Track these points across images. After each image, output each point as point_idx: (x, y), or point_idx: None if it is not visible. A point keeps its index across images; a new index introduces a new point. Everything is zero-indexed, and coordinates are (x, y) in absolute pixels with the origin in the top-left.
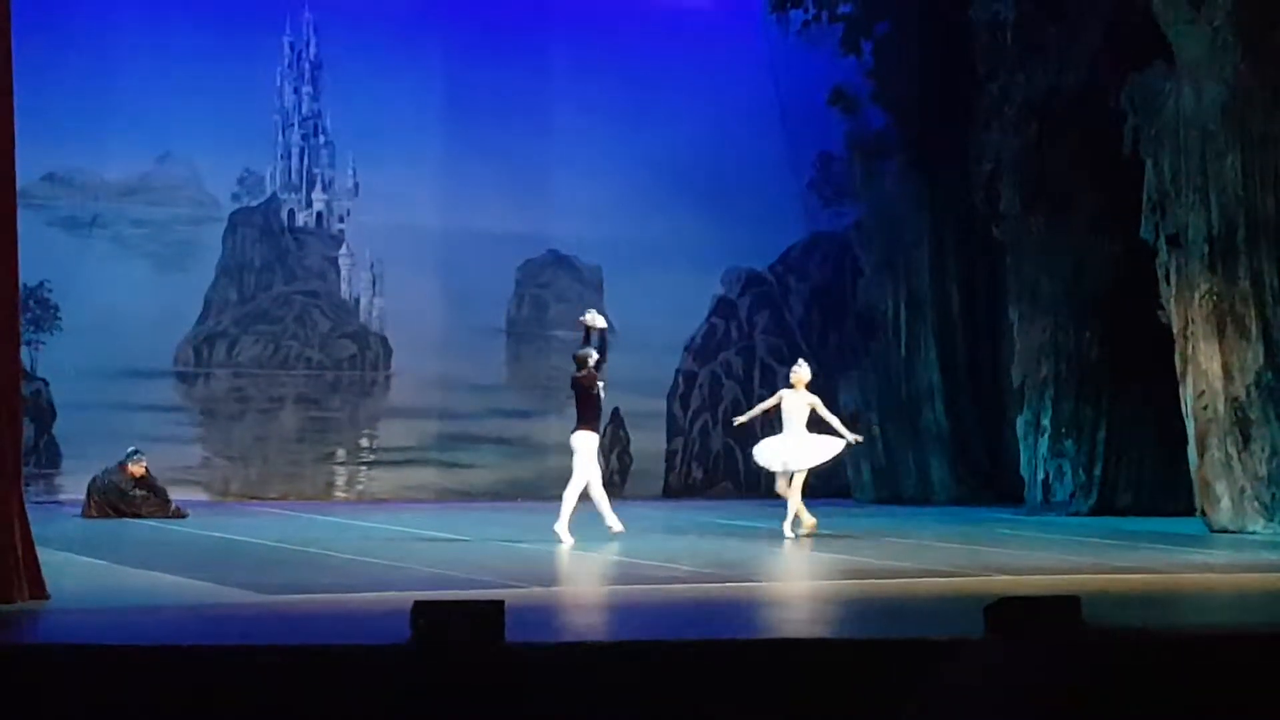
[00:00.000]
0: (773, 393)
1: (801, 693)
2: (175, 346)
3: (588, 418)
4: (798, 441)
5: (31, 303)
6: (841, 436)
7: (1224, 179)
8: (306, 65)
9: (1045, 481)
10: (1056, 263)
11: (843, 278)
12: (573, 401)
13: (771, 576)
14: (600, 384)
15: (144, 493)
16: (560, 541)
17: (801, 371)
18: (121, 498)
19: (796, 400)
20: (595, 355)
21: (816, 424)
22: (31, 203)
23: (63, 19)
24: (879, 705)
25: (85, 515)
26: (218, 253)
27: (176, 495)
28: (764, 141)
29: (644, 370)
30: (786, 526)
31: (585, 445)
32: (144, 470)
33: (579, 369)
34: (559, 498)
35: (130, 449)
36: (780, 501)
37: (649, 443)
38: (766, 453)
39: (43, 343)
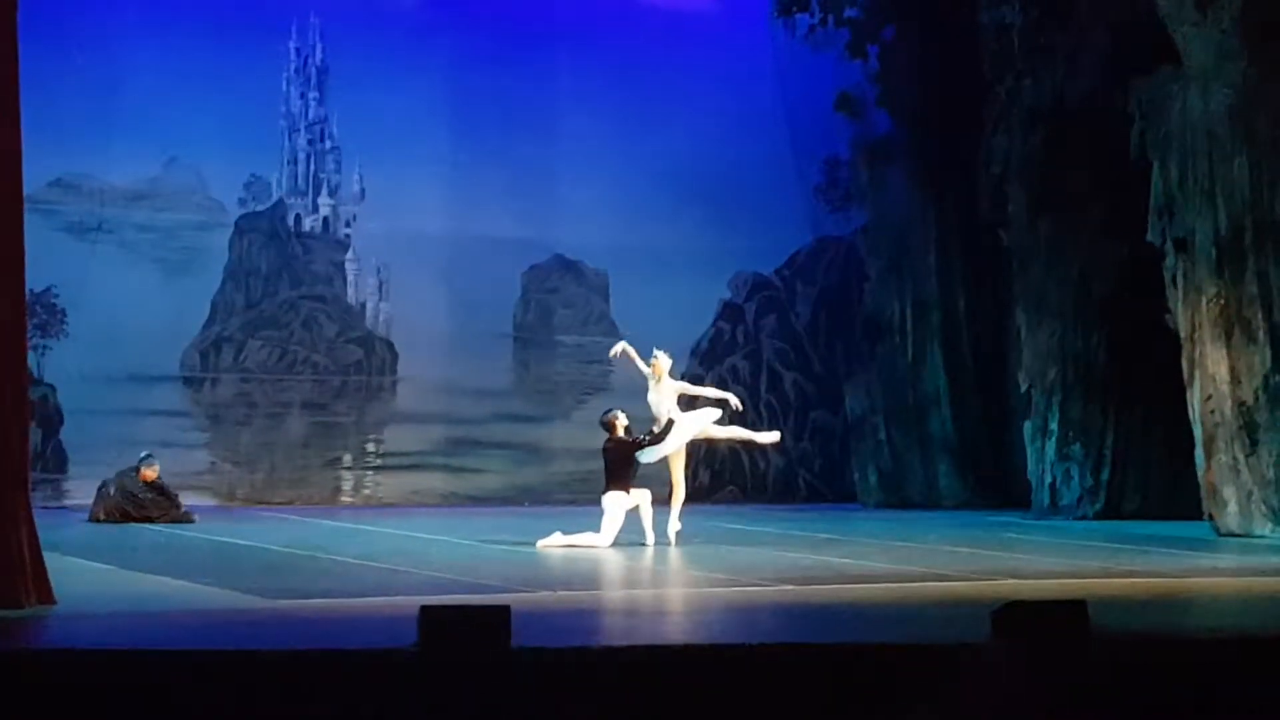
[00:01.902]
0: (778, 397)
1: (808, 697)
2: (182, 351)
3: (619, 478)
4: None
5: (38, 308)
6: (720, 404)
7: (1231, 182)
8: (313, 71)
9: (1052, 486)
10: (1064, 267)
11: (849, 282)
12: (582, 405)
13: (777, 581)
14: (641, 439)
15: (154, 495)
16: (537, 545)
17: (661, 361)
18: (131, 500)
19: (660, 394)
20: (624, 418)
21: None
22: (38, 208)
23: (69, 24)
24: (887, 709)
25: (93, 519)
26: (224, 258)
27: (183, 500)
28: (770, 146)
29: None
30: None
31: (614, 506)
32: (156, 474)
33: (608, 433)
34: (566, 502)
35: (143, 453)
36: (779, 507)
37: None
38: (648, 454)
39: (49, 348)
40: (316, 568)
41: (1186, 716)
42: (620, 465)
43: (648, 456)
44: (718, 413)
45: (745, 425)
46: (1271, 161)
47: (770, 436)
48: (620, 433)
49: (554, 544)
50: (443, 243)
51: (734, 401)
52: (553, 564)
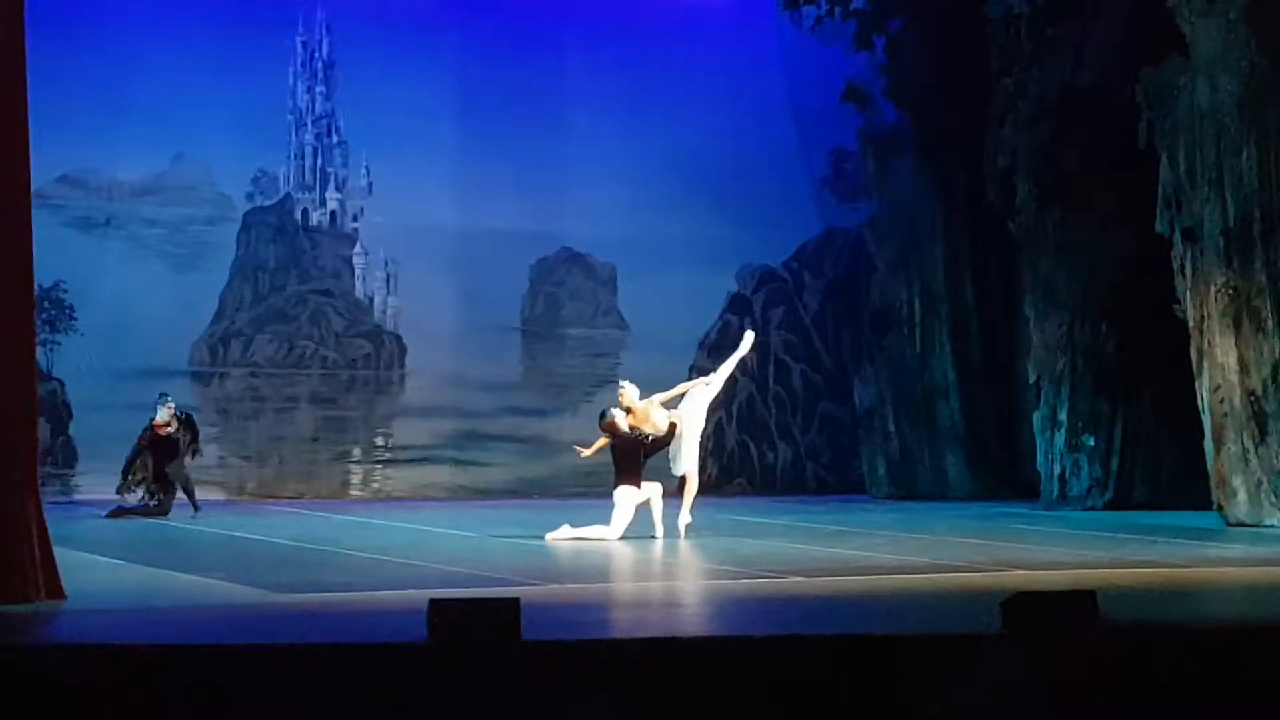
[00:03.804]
0: (786, 389)
1: (818, 689)
2: (190, 346)
3: (629, 473)
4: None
5: (46, 303)
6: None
7: (1239, 172)
8: (319, 65)
9: (1061, 476)
10: (1072, 257)
11: (857, 273)
12: (590, 398)
13: (786, 573)
14: (647, 437)
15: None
16: (546, 538)
17: (628, 391)
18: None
19: (642, 421)
20: (618, 414)
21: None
22: (46, 203)
23: (76, 20)
24: (897, 701)
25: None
26: (232, 252)
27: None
28: (777, 138)
29: (658, 367)
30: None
31: (624, 499)
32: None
33: (613, 434)
34: (574, 494)
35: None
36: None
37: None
38: (679, 466)
39: (58, 343)
40: (326, 562)
41: (1196, 706)
42: (628, 460)
43: (679, 469)
44: (703, 383)
45: (754, 421)
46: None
47: (745, 343)
48: (623, 428)
49: (563, 537)
50: (450, 236)
51: (706, 380)
52: (562, 557)
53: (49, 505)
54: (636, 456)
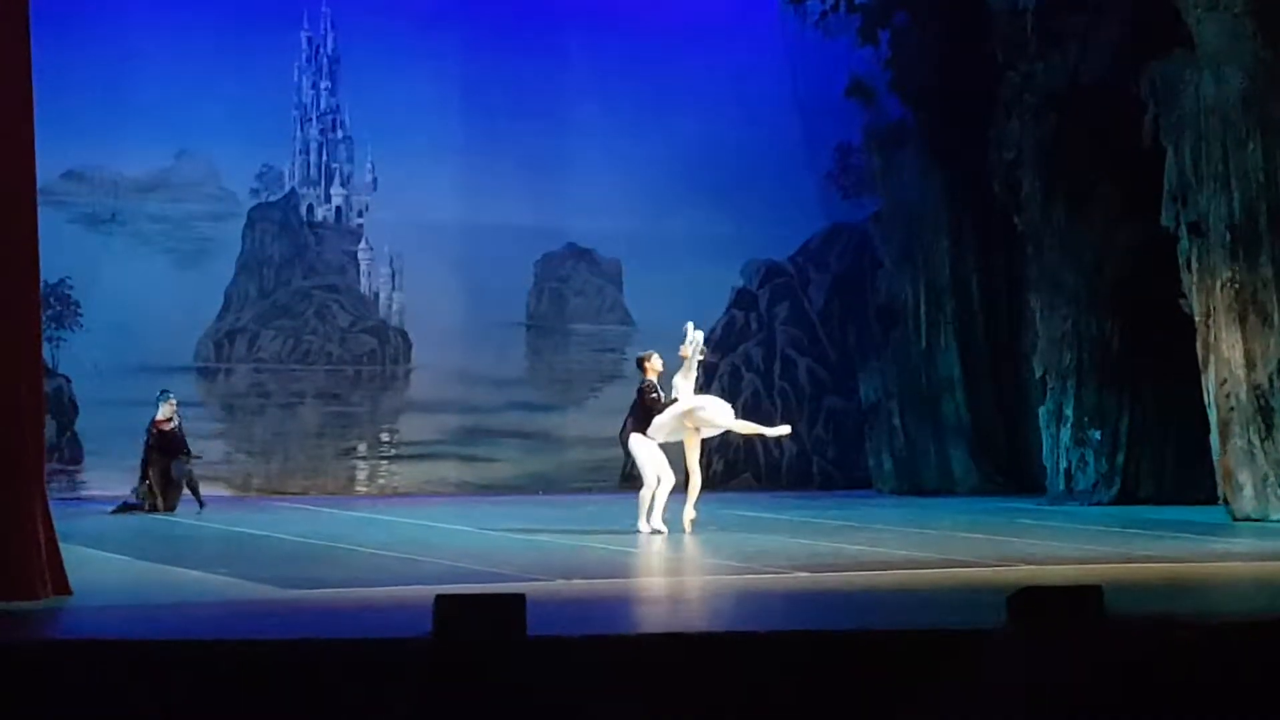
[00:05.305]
0: (792, 384)
1: (823, 685)
2: (196, 342)
3: (639, 420)
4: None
5: (52, 299)
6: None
7: (1245, 166)
8: (324, 60)
9: (1067, 471)
10: (1077, 252)
11: (862, 268)
12: (595, 394)
13: (792, 568)
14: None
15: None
16: (650, 532)
17: (694, 338)
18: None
19: (686, 378)
20: (658, 361)
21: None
22: (51, 199)
23: (81, 15)
24: (903, 696)
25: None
26: (237, 248)
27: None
28: (782, 133)
29: (664, 363)
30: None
31: (640, 447)
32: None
33: (643, 373)
34: (579, 490)
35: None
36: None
37: None
38: (658, 433)
39: (64, 339)
40: (332, 557)
41: (1202, 702)
42: (644, 411)
43: (658, 436)
44: (720, 402)
45: (759, 416)
46: None
47: (780, 430)
48: (651, 376)
49: (650, 527)
50: (455, 232)
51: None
52: (568, 553)
53: (54, 501)
54: (651, 410)
